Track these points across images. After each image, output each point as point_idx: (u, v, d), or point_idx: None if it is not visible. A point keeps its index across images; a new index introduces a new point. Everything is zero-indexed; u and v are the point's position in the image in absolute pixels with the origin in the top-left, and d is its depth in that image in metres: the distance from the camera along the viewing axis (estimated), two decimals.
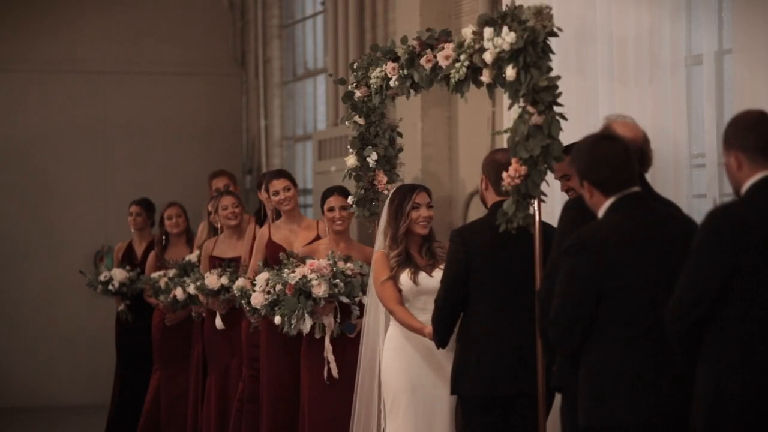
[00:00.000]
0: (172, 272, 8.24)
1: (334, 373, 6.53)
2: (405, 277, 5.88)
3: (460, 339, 5.45)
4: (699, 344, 3.93)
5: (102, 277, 9.18)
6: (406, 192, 5.99)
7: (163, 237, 8.90)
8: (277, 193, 7.20)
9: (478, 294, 5.34)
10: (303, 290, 6.40)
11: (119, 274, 9.12)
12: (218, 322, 7.84)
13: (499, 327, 5.28)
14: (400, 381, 5.89)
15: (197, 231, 8.78)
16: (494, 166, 5.27)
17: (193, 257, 8.20)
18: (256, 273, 6.90)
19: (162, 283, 8.33)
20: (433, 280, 5.88)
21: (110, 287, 9.14)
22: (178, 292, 8.04)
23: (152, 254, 8.94)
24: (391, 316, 6.01)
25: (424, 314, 5.87)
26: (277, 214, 7.48)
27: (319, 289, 6.37)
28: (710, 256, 3.86)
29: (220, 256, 7.89)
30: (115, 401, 9.47)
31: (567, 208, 4.78)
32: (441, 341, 5.53)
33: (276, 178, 7.27)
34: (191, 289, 7.88)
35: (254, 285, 6.78)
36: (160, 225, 8.97)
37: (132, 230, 9.45)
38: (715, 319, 3.87)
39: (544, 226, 5.16)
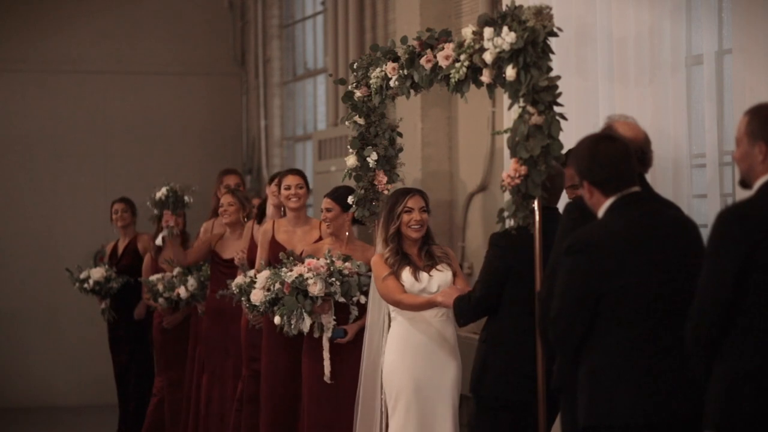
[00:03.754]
0: (175, 272, 8.24)
1: (327, 373, 6.53)
2: (407, 275, 5.91)
3: (487, 339, 5.44)
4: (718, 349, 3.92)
5: (81, 276, 9.20)
6: (399, 195, 6.04)
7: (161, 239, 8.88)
8: (288, 187, 7.23)
9: (513, 295, 5.32)
10: (299, 289, 6.41)
11: (96, 273, 9.14)
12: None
13: (526, 332, 5.26)
14: (402, 380, 5.90)
15: (199, 231, 8.78)
16: None
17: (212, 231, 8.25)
18: (259, 271, 6.92)
19: (160, 286, 8.33)
20: (433, 279, 5.91)
21: (85, 285, 9.16)
22: (182, 291, 8.03)
23: (148, 256, 8.95)
24: (392, 314, 6.01)
25: (426, 310, 5.90)
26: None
27: (315, 288, 6.38)
28: (723, 259, 3.84)
29: (219, 255, 7.94)
30: (119, 404, 9.51)
31: (568, 209, 4.78)
32: (465, 323, 5.60)
33: (291, 174, 7.32)
34: (190, 286, 7.87)
35: (254, 282, 6.79)
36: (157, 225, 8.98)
37: (119, 228, 9.47)
38: (733, 318, 3.86)
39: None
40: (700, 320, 3.90)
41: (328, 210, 6.73)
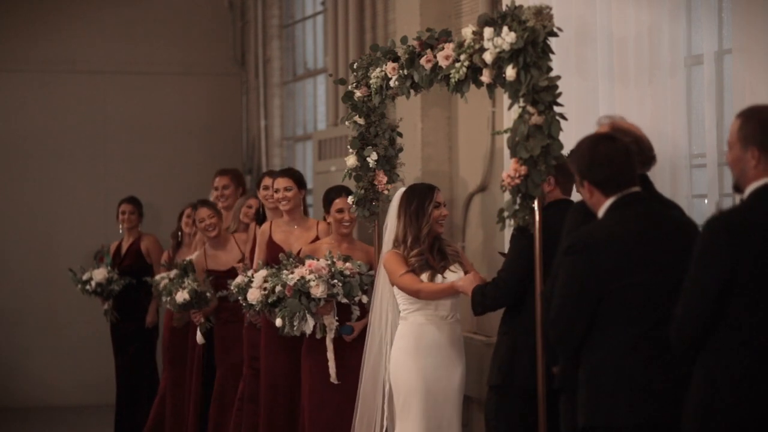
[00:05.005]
0: (173, 273, 8.26)
1: (333, 374, 6.53)
2: (424, 278, 5.89)
3: (510, 331, 5.42)
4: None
5: (84, 277, 9.19)
6: (426, 191, 5.99)
7: (179, 233, 8.92)
8: (277, 191, 7.21)
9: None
10: (302, 291, 6.40)
11: (98, 275, 9.13)
12: (199, 337, 7.91)
13: None
14: (412, 381, 5.88)
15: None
16: (558, 167, 5.15)
17: (194, 257, 8.21)
18: (256, 271, 6.91)
19: (162, 285, 8.33)
20: (447, 281, 5.89)
21: (87, 287, 9.15)
22: (179, 296, 8.03)
23: (165, 254, 8.98)
24: (402, 314, 5.99)
25: (439, 311, 5.89)
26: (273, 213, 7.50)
27: (318, 290, 6.37)
28: (708, 269, 3.84)
29: (216, 270, 7.90)
30: (117, 402, 9.53)
31: (574, 210, 4.77)
32: (483, 312, 5.55)
33: (279, 177, 7.28)
34: (184, 294, 7.88)
35: (251, 281, 6.79)
36: (178, 221, 9.01)
37: (125, 228, 9.47)
38: (716, 325, 3.86)
39: None
40: (682, 326, 3.90)
41: (351, 211, 6.65)
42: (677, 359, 4.05)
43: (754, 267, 3.78)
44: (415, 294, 5.89)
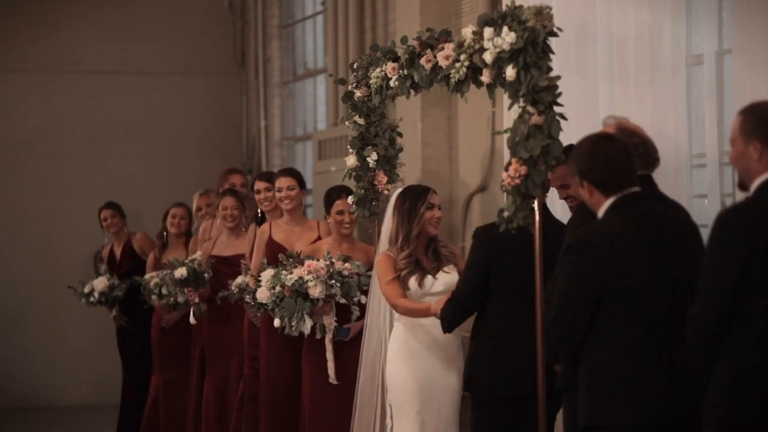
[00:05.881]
0: (165, 273, 8.23)
1: (332, 374, 6.53)
2: (413, 282, 5.87)
3: (474, 336, 5.44)
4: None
5: (86, 290, 9.17)
6: (420, 192, 5.98)
7: (164, 234, 8.91)
8: (280, 190, 7.20)
9: (497, 292, 5.32)
10: (299, 291, 6.39)
11: (99, 284, 9.11)
12: (191, 318, 7.93)
13: (513, 327, 5.26)
14: (407, 382, 5.88)
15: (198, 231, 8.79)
16: None
17: (196, 257, 8.20)
18: (260, 270, 6.90)
19: (152, 284, 8.32)
20: (438, 282, 5.88)
21: (92, 299, 9.14)
22: (177, 272, 8.00)
23: (152, 256, 8.96)
24: (395, 315, 5.99)
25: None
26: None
27: (315, 290, 6.36)
28: (722, 263, 3.82)
29: (219, 255, 7.93)
30: (122, 402, 9.52)
31: (579, 211, 4.78)
32: (449, 329, 5.54)
33: (283, 176, 7.26)
34: (182, 270, 7.89)
35: (259, 281, 6.78)
36: (163, 221, 8.99)
37: (111, 234, 9.45)
38: (734, 320, 3.85)
39: (555, 225, 5.16)
40: (701, 325, 3.88)
41: (352, 212, 6.63)
42: (693, 358, 4.02)
43: (765, 261, 3.78)
44: (393, 307, 5.90)
